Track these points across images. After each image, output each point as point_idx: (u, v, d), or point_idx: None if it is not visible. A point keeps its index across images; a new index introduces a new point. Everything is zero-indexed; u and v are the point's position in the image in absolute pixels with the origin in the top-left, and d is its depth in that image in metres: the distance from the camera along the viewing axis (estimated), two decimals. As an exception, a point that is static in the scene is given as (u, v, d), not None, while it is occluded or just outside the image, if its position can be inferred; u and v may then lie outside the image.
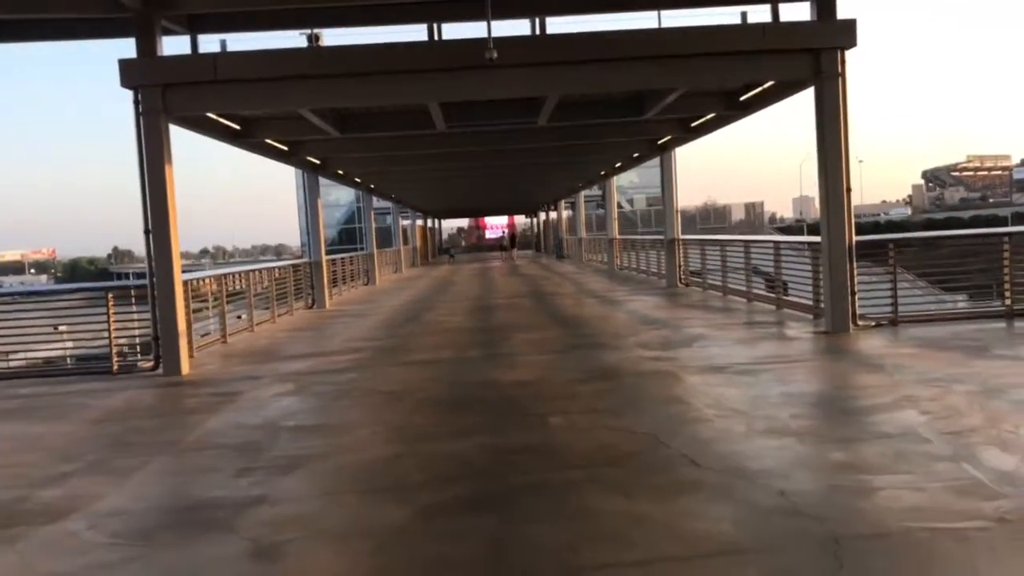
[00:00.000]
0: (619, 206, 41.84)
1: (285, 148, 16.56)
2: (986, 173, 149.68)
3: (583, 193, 38.41)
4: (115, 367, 10.79)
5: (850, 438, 5.72)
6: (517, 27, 12.10)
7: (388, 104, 13.19)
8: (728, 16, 12.16)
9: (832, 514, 4.30)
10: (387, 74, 10.61)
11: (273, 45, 10.91)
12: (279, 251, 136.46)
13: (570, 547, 4.08)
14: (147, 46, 10.30)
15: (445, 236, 76.78)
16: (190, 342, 11.71)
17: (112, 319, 10.91)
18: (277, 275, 17.92)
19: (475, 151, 19.14)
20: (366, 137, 16.32)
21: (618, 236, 28.77)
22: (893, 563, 3.74)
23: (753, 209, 62.37)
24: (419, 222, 52.67)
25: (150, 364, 10.77)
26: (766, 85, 12.33)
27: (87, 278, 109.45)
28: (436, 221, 64.71)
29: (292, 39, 12.08)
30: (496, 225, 72.61)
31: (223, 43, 11.35)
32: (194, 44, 11.37)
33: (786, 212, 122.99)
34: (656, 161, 28.57)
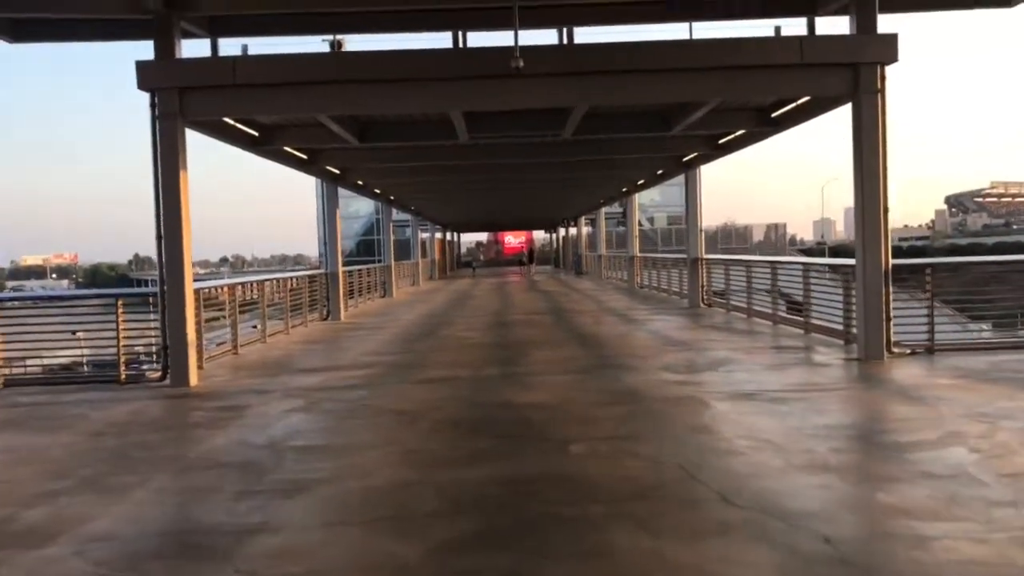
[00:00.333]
0: (639, 224, 41.42)
1: (304, 157, 16.31)
2: (1010, 200, 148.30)
3: (604, 210, 38.03)
4: (122, 376, 10.48)
5: (896, 477, 5.28)
6: (544, 38, 11.79)
7: (410, 112, 12.88)
8: (761, 29, 11.84)
9: (885, 566, 3.89)
10: (410, 81, 10.30)
11: (295, 51, 10.57)
12: (297, 261, 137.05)
13: (594, 596, 3.68)
14: (165, 48, 10.06)
15: (464, 250, 76.57)
16: (200, 352, 11.42)
17: (121, 327, 10.62)
18: (292, 285, 17.65)
19: (497, 164, 18.82)
20: (387, 147, 16.05)
21: (639, 254, 28.34)
22: (960, 629, 3.32)
23: (775, 230, 61.72)
24: (438, 235, 52.47)
25: (158, 374, 10.47)
26: (801, 101, 11.93)
27: (107, 283, 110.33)
28: (455, 235, 64.48)
29: (315, 45, 11.88)
30: (514, 243, 72.28)
31: (244, 48, 11.09)
32: (214, 48, 11.13)
33: (806, 234, 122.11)
34: (677, 179, 28.21)
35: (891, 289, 10.37)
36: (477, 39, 11.63)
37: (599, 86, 10.50)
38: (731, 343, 12.60)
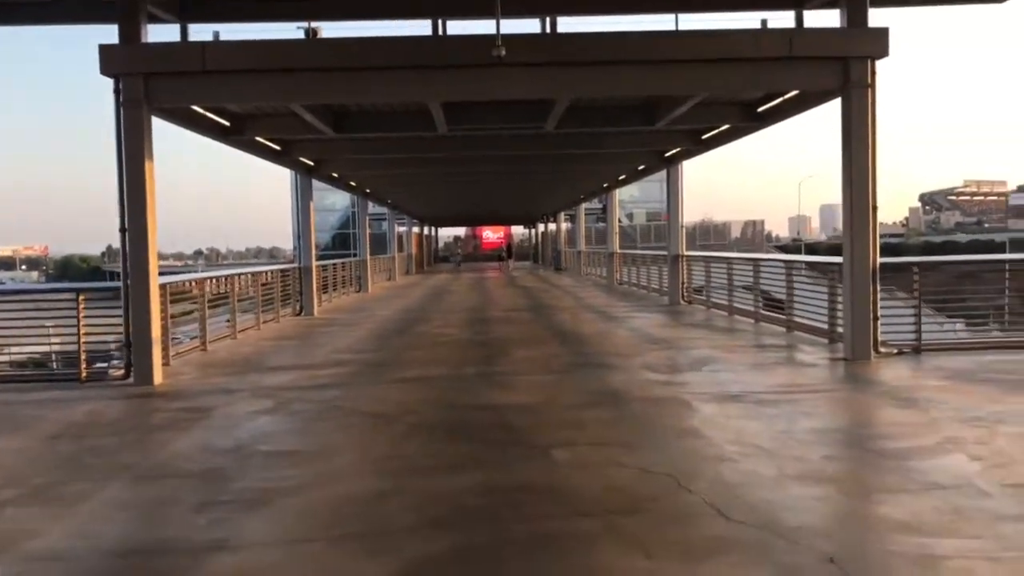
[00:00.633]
0: (619, 220, 41.21)
1: (277, 148, 15.85)
2: (982, 198, 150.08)
3: (583, 206, 37.78)
4: (83, 374, 10.03)
5: (897, 488, 5.01)
6: (526, 28, 11.41)
7: (387, 102, 12.49)
8: (748, 21, 11.54)
9: (896, 590, 3.60)
10: (387, 70, 9.91)
11: (270, 38, 10.15)
12: (273, 254, 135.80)
13: (584, 626, 3.37)
14: (130, 32, 9.61)
15: (441, 244, 76.05)
16: (166, 349, 10.98)
17: (82, 322, 10.16)
18: (264, 280, 17.19)
19: (477, 157, 18.44)
20: (363, 138, 15.63)
21: (619, 250, 28.09)
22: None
23: (753, 227, 61.81)
24: (415, 229, 51.98)
25: (120, 372, 10.03)
26: (788, 95, 11.66)
27: (79, 276, 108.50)
28: (432, 229, 63.97)
29: (289, 33, 11.41)
30: (493, 238, 71.80)
31: (216, 35, 10.64)
32: (184, 34, 10.66)
33: (782, 231, 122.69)
34: (656, 176, 28.01)
35: (879, 287, 10.16)
36: (457, 28, 11.27)
37: (583, 77, 10.16)
38: (713, 341, 12.35)
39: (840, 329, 11.09)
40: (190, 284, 14.02)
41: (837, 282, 11.37)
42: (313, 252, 19.44)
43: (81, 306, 10.18)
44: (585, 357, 11.06)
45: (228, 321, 14.61)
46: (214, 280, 15.13)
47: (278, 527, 4.70)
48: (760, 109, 12.89)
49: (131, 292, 9.73)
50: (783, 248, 76.11)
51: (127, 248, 9.74)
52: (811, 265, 14.22)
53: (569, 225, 48.49)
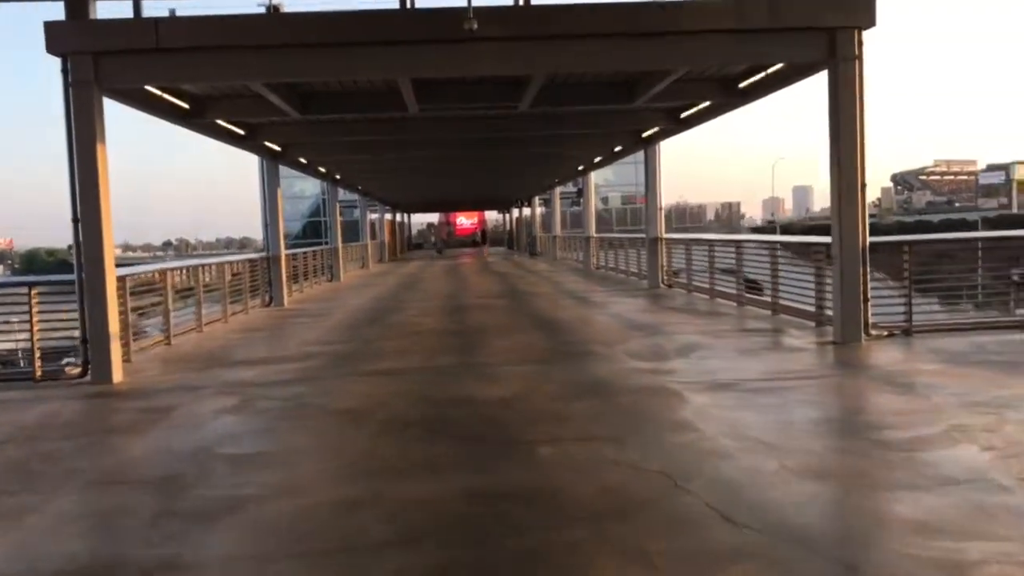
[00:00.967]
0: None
1: (241, 132, 15.22)
2: (952, 178, 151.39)
3: (559, 190, 37.33)
4: (37, 373, 9.47)
5: (909, 484, 4.65)
6: (498, 2, 10.90)
7: (353, 79, 11.92)
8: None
9: (928, 604, 3.23)
10: (353, 45, 9.38)
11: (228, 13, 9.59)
12: (243, 244, 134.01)
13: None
14: (78, 8, 9.03)
15: (415, 231, 75.26)
16: (127, 345, 10.44)
17: (35, 318, 9.58)
18: (232, 270, 16.60)
19: (449, 139, 17.92)
20: (330, 120, 15.07)
21: (595, 234, 27.70)
22: None
23: (729, 209, 61.73)
24: (387, 216, 51.26)
25: (78, 370, 9.48)
26: (772, 70, 11.27)
27: (45, 269, 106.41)
28: (405, 215, 63.19)
29: (250, 9, 10.84)
30: (467, 224, 71.07)
31: (172, 12, 10.05)
32: (137, 11, 10.05)
33: (755, 213, 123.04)
34: (631, 158, 27.68)
35: (868, 268, 9.84)
36: (426, 4, 10.75)
37: (560, 52, 9.69)
38: (698, 326, 12.00)
39: (828, 312, 10.78)
40: (152, 276, 13.41)
41: (824, 263, 11.08)
42: (282, 241, 18.84)
43: (34, 301, 9.61)
44: (566, 345, 10.65)
45: (194, 314, 14.05)
46: (178, 271, 14.55)
47: (238, 542, 4.25)
48: (742, 85, 12.48)
49: (86, 285, 9.18)
50: (758, 229, 76.20)
51: (80, 239, 9.18)
52: (796, 245, 13.90)
53: (544, 209, 48.03)
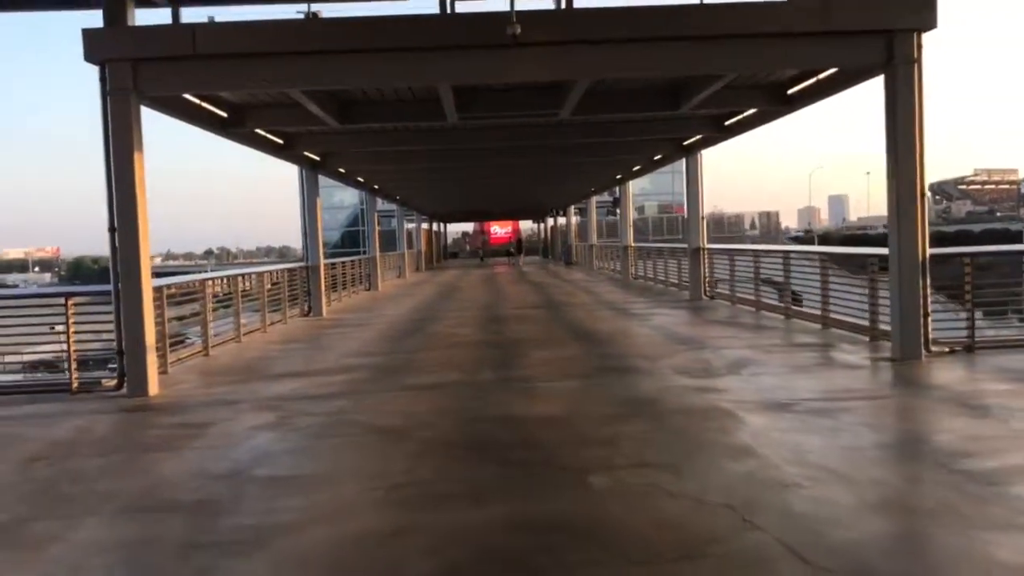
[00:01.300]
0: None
1: (280, 141, 15.10)
2: (993, 187, 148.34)
3: (595, 199, 36.96)
4: (74, 385, 9.34)
5: (1006, 523, 4.22)
6: (539, 6, 10.63)
7: (394, 87, 11.68)
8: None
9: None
10: (393, 51, 9.15)
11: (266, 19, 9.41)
12: (282, 253, 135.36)
13: None
14: (116, 15, 8.92)
15: (450, 240, 75.21)
16: (164, 356, 10.30)
17: (72, 329, 9.47)
18: (272, 279, 16.49)
19: (488, 148, 17.63)
20: (369, 129, 14.89)
21: (634, 244, 27.26)
22: None
23: (768, 218, 60.78)
24: (424, 226, 51.23)
25: (114, 382, 9.34)
26: (824, 75, 10.86)
27: (90, 277, 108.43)
28: (441, 225, 63.16)
29: (289, 16, 10.68)
30: (501, 233, 70.82)
31: (211, 20, 9.93)
32: (176, 18, 9.92)
33: (790, 222, 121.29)
34: (668, 167, 27.22)
35: (928, 281, 9.37)
36: (464, 10, 10.50)
37: (605, 57, 9.37)
38: (745, 340, 11.57)
39: (883, 326, 10.33)
40: (191, 285, 13.28)
41: (877, 275, 10.63)
42: (321, 250, 18.73)
43: (70, 311, 9.50)
44: (609, 359, 10.29)
45: (232, 323, 13.92)
46: (217, 280, 14.44)
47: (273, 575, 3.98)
48: (790, 91, 12.08)
49: (122, 296, 9.04)
50: (796, 239, 75.14)
51: (117, 249, 9.04)
52: (847, 257, 13.41)
53: (579, 219, 47.65)
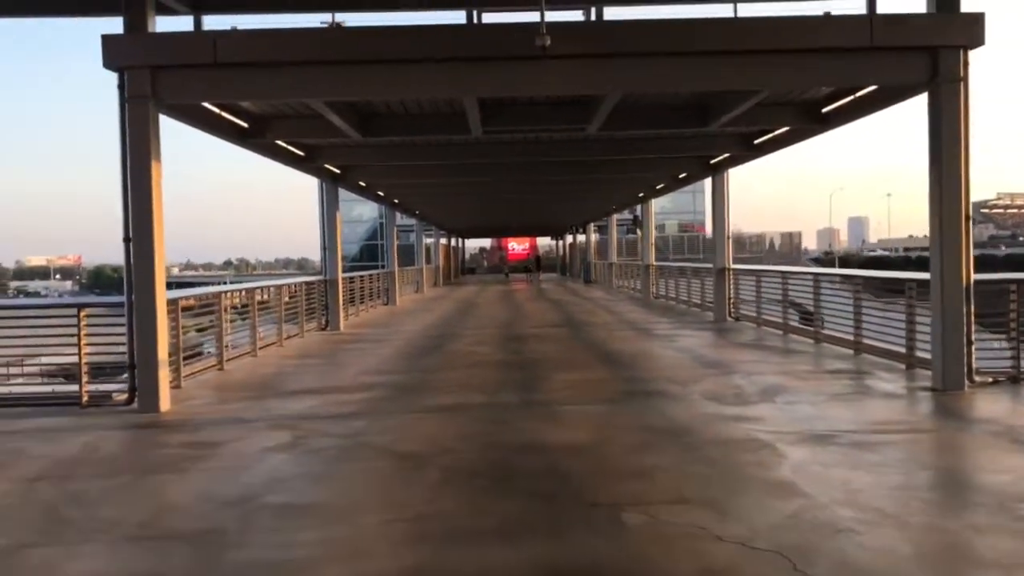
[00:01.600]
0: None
1: (301, 153, 14.88)
2: (1016, 211, 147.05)
3: (615, 217, 36.63)
4: (84, 399, 9.08)
5: (1082, 578, 3.85)
6: (569, 20, 10.37)
7: (418, 98, 11.44)
8: (813, 8, 10.47)
9: None
10: (418, 62, 8.89)
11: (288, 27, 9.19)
12: (301, 265, 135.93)
13: None
14: (136, 22, 8.71)
15: (468, 256, 75.06)
16: (177, 370, 10.04)
17: (83, 341, 9.21)
18: (289, 292, 16.24)
19: (510, 164, 17.35)
20: (391, 143, 14.66)
21: (655, 263, 26.88)
22: None
23: (790, 239, 60.22)
24: (443, 241, 51.08)
25: (124, 397, 9.07)
26: (861, 93, 10.50)
27: (111, 285, 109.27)
28: (459, 240, 63.01)
29: (311, 25, 10.49)
30: (518, 249, 70.62)
31: (233, 28, 9.73)
32: (198, 26, 9.75)
33: (809, 243, 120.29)
34: (688, 186, 26.93)
35: (972, 308, 8.95)
36: (494, 20, 10.28)
37: (636, 70, 9.06)
38: (776, 365, 11.17)
39: (920, 354, 9.92)
40: (207, 298, 13.04)
41: (915, 301, 10.23)
42: (339, 264, 18.50)
43: (83, 323, 9.24)
44: (635, 383, 9.93)
45: (248, 337, 13.67)
46: (233, 293, 14.20)
47: (282, 626, 3.65)
48: (825, 109, 11.72)
49: (135, 309, 8.78)
50: (817, 261, 74.36)
51: (131, 260, 8.79)
52: (881, 281, 12.98)
53: (599, 236, 47.31)
